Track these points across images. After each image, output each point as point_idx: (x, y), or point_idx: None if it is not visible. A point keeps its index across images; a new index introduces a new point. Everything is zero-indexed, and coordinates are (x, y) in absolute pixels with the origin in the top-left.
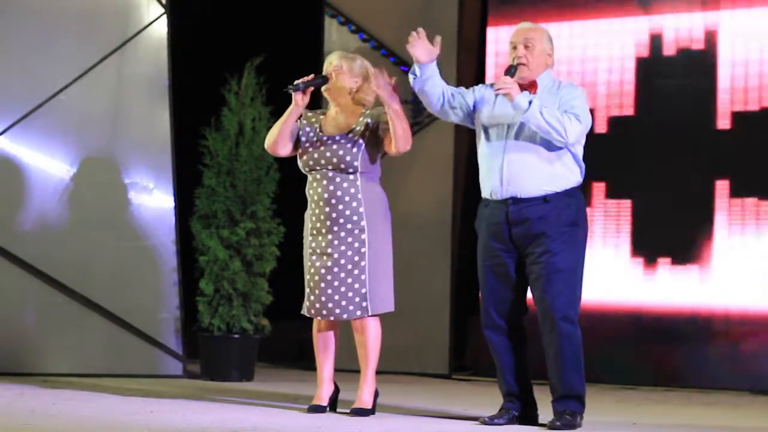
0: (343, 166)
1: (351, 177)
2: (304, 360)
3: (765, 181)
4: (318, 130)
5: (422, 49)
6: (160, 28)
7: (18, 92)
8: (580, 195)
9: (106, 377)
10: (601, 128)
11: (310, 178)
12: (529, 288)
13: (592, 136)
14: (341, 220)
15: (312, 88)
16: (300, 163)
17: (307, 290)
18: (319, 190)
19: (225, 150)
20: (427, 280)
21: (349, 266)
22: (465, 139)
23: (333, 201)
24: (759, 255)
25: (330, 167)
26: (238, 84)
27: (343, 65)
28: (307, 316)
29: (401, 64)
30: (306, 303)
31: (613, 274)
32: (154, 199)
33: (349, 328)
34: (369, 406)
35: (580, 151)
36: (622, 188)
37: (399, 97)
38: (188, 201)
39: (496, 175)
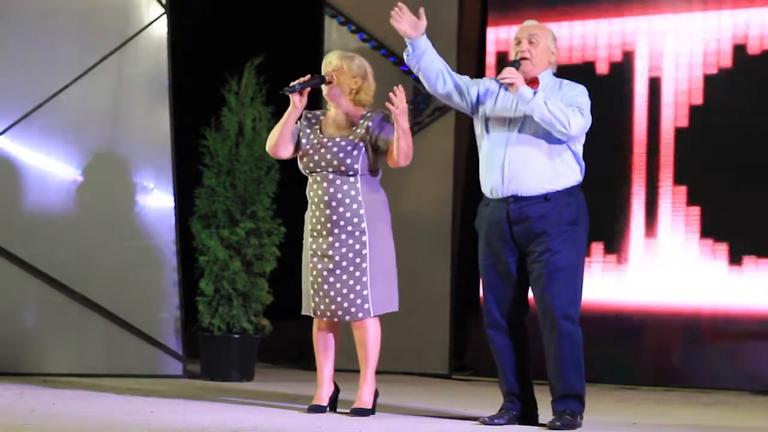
0: (343, 168)
1: (351, 179)
2: (304, 360)
3: None
4: (318, 131)
5: (407, 23)
6: (160, 28)
7: (18, 92)
8: (581, 194)
9: (106, 377)
10: None
11: (310, 179)
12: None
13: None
14: (341, 223)
15: (309, 89)
16: (300, 165)
17: (311, 291)
18: (320, 192)
19: (225, 150)
20: (427, 280)
21: (351, 268)
22: (465, 139)
23: (333, 203)
24: None
25: (330, 169)
26: (238, 84)
27: (344, 66)
28: (310, 316)
29: (401, 64)
30: (311, 303)
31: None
32: (154, 199)
33: (349, 328)
34: (369, 406)
35: (580, 149)
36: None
37: (409, 117)
38: (188, 201)
39: (497, 173)
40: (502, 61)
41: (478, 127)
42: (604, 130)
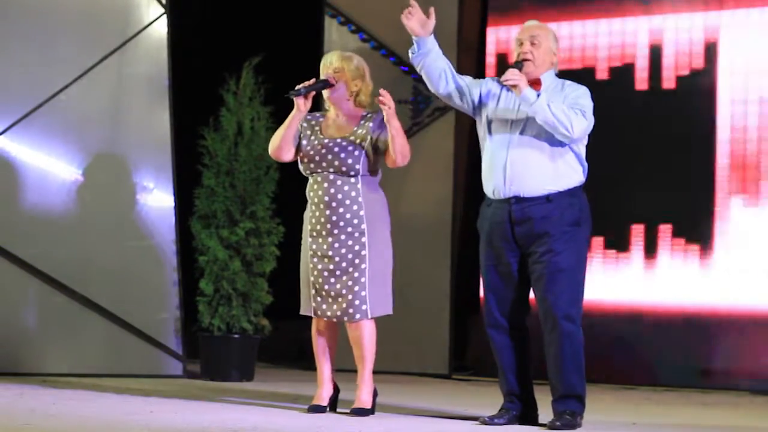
0: (344, 168)
1: (352, 180)
2: (304, 360)
3: None
4: (319, 133)
5: (417, 21)
6: (160, 28)
7: (18, 92)
8: (583, 194)
9: (106, 377)
10: None
11: (311, 180)
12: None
13: None
14: (341, 223)
15: (314, 93)
16: (301, 167)
17: (312, 291)
18: (320, 192)
19: (224, 150)
20: (427, 280)
21: (350, 269)
22: (465, 139)
23: (334, 204)
24: None
25: (331, 170)
26: (236, 84)
27: (345, 67)
28: (309, 316)
29: (401, 64)
30: (312, 304)
31: None
32: (154, 199)
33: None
34: (368, 405)
35: (582, 150)
36: None
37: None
38: (188, 201)
39: (499, 174)
40: (503, 61)
41: (481, 129)
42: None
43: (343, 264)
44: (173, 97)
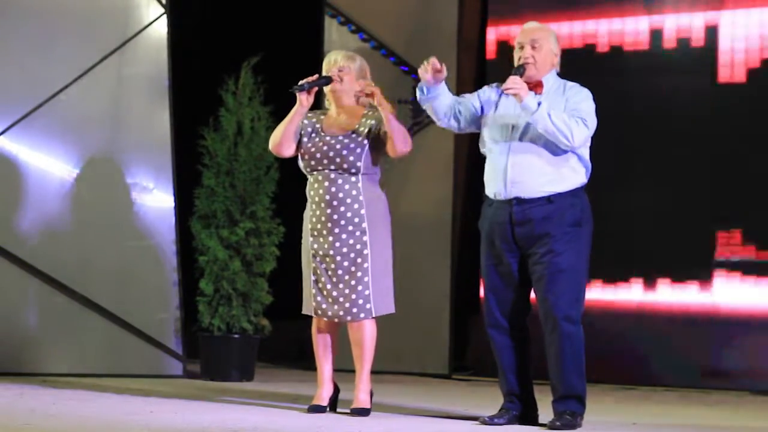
0: (346, 166)
1: (353, 178)
2: (304, 360)
3: None
4: (320, 130)
5: (432, 74)
6: (160, 28)
7: (18, 92)
8: (585, 195)
9: (106, 377)
10: None
11: (311, 178)
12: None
13: None
14: (342, 222)
15: (316, 89)
16: (302, 164)
17: (313, 291)
18: (321, 191)
19: (224, 150)
20: (427, 280)
21: (352, 268)
22: (465, 139)
23: (334, 202)
24: None
25: (333, 167)
26: (235, 84)
27: (350, 66)
28: (310, 315)
29: (401, 64)
30: (313, 303)
31: None
32: (154, 199)
33: (346, 328)
34: (367, 405)
35: (585, 152)
36: None
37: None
38: (188, 201)
39: (500, 177)
40: (503, 60)
41: (484, 135)
42: None
43: (345, 263)
44: (173, 97)
